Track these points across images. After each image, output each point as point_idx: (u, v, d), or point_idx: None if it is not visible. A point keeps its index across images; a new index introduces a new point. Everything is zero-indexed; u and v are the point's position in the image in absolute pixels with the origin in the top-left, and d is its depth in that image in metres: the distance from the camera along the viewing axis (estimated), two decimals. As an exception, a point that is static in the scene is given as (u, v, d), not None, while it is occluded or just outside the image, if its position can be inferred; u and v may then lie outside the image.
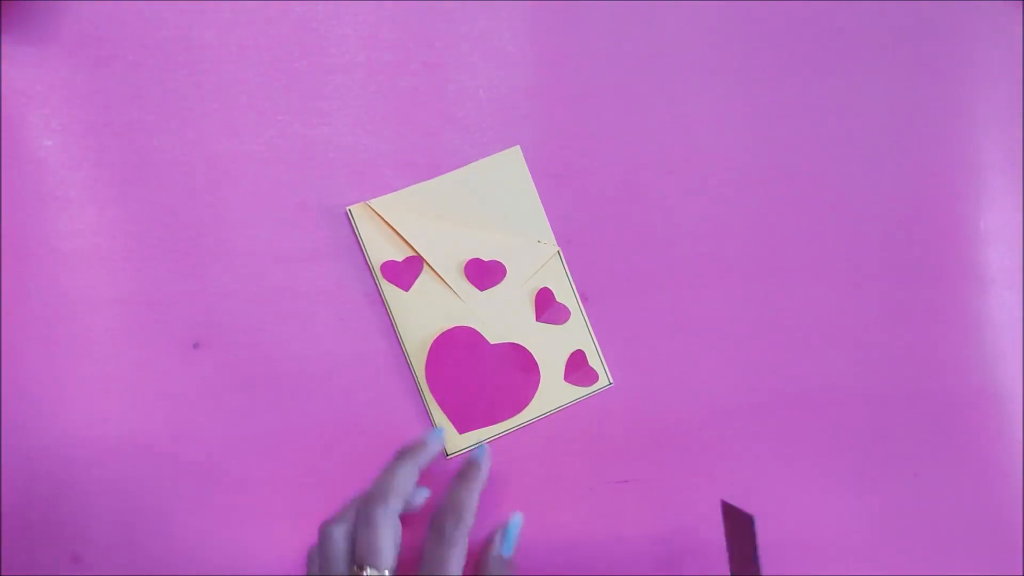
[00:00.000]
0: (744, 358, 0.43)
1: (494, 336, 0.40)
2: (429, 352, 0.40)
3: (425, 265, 0.40)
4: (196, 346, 0.39)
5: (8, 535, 0.38)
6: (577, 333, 0.41)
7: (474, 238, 0.40)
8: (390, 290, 0.40)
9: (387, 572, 0.31)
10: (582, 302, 0.42)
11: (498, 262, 0.40)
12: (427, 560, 0.33)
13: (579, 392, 0.41)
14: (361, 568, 0.31)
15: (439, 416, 0.40)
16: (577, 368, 0.41)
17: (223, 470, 0.39)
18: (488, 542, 0.39)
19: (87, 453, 0.38)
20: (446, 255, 0.40)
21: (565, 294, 0.41)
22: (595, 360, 0.41)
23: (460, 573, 0.33)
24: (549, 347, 0.41)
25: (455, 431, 0.40)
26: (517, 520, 0.39)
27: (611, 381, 0.41)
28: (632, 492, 0.42)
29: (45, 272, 0.38)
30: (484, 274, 0.40)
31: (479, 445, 0.40)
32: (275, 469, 0.40)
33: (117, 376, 0.38)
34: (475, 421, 0.41)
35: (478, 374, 0.40)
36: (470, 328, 0.40)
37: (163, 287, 0.38)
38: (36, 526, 0.38)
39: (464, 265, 0.40)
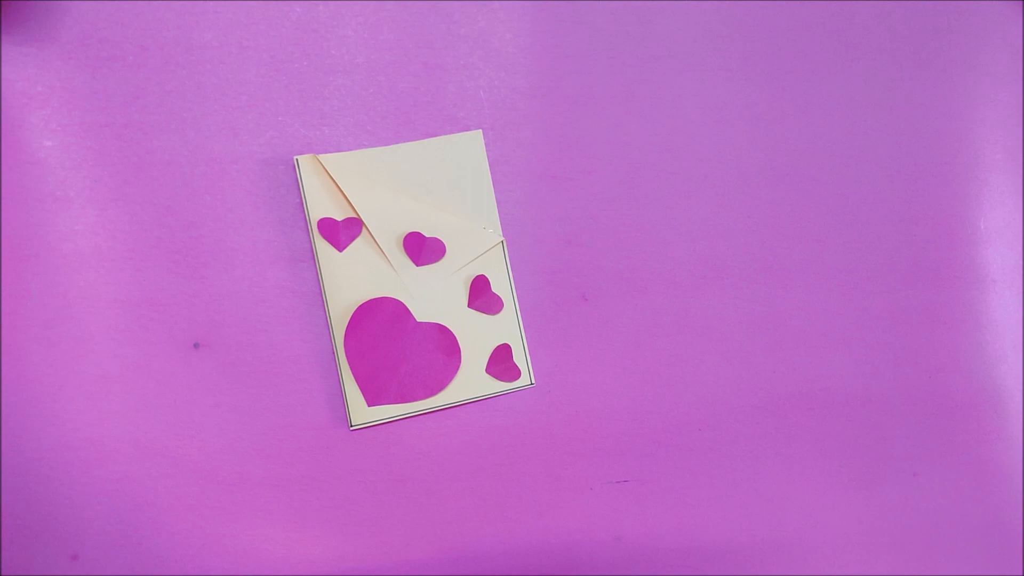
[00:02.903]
0: (744, 358, 0.43)
1: (421, 314, 0.40)
2: (351, 317, 0.39)
3: (364, 229, 0.39)
4: (196, 346, 0.39)
5: (7, 534, 0.38)
6: (507, 327, 0.41)
7: (418, 212, 0.40)
8: (323, 248, 0.39)
9: None
10: (582, 301, 0.42)
11: (438, 240, 0.40)
12: None
13: (498, 386, 0.41)
14: None
15: (350, 386, 0.39)
16: (500, 362, 0.41)
17: (223, 470, 0.39)
18: None
19: (87, 453, 0.38)
20: (386, 223, 0.39)
21: (502, 286, 0.41)
22: (520, 357, 0.41)
23: None
24: (476, 335, 0.40)
25: (364, 403, 0.39)
26: None
27: (533, 381, 0.41)
28: (632, 492, 0.42)
29: (45, 272, 0.38)
30: (422, 249, 0.39)
31: None
32: (275, 469, 0.40)
33: (117, 376, 0.38)
34: (386, 396, 0.39)
35: (398, 348, 0.39)
36: (397, 301, 0.39)
37: (163, 287, 0.38)
38: (35, 525, 0.38)
39: (403, 237, 0.39)
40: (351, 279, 0.39)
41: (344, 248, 0.39)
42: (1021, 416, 0.45)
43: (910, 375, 0.44)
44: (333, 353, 0.40)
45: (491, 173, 0.41)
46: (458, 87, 0.40)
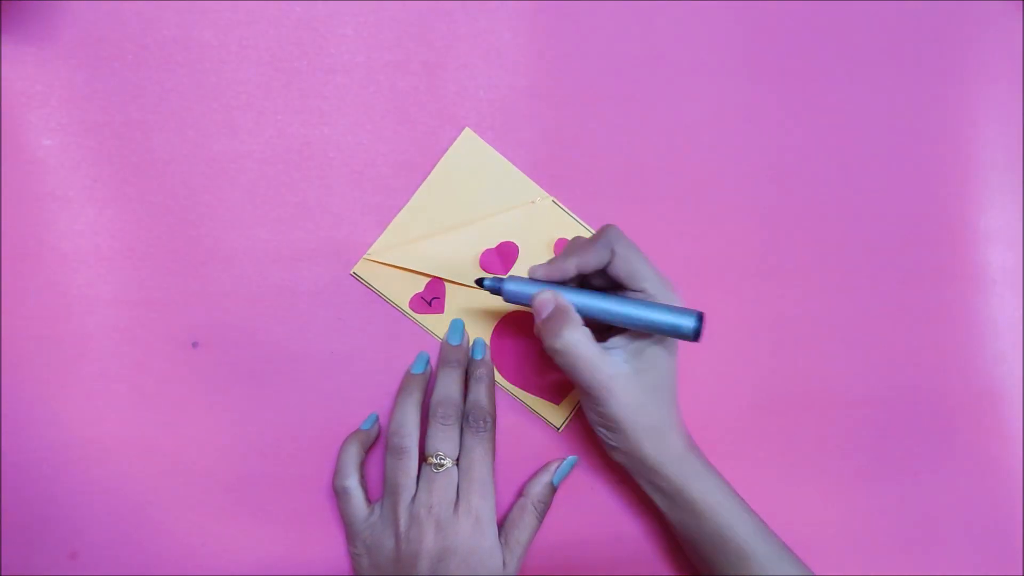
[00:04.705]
0: (744, 358, 0.43)
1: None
2: (491, 353, 0.41)
3: (446, 283, 0.40)
4: (195, 346, 0.39)
5: (7, 533, 0.38)
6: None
7: (475, 231, 0.40)
8: (427, 320, 0.40)
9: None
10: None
11: (506, 242, 0.41)
12: (468, 456, 0.37)
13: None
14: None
15: (539, 404, 0.41)
16: None
17: (222, 470, 0.39)
18: (542, 467, 0.40)
19: (87, 453, 0.38)
20: (459, 264, 0.40)
21: (579, 233, 0.41)
22: None
23: (493, 462, 0.38)
24: None
25: (553, 404, 0.41)
26: (574, 459, 0.41)
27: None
28: (632, 492, 0.42)
29: (45, 272, 0.38)
30: (500, 259, 0.40)
31: (476, 344, 0.40)
32: (275, 469, 0.40)
33: (117, 376, 0.38)
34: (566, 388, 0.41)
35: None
36: (516, 311, 0.41)
37: (163, 287, 0.38)
38: (35, 525, 0.38)
39: (479, 261, 0.40)
40: (468, 325, 0.41)
41: (444, 309, 0.40)
42: (1021, 416, 0.45)
43: (910, 375, 0.44)
44: (333, 353, 0.40)
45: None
46: (458, 87, 0.40)
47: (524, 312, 0.41)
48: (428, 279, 0.40)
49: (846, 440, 0.44)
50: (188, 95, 0.38)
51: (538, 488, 0.39)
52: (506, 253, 0.41)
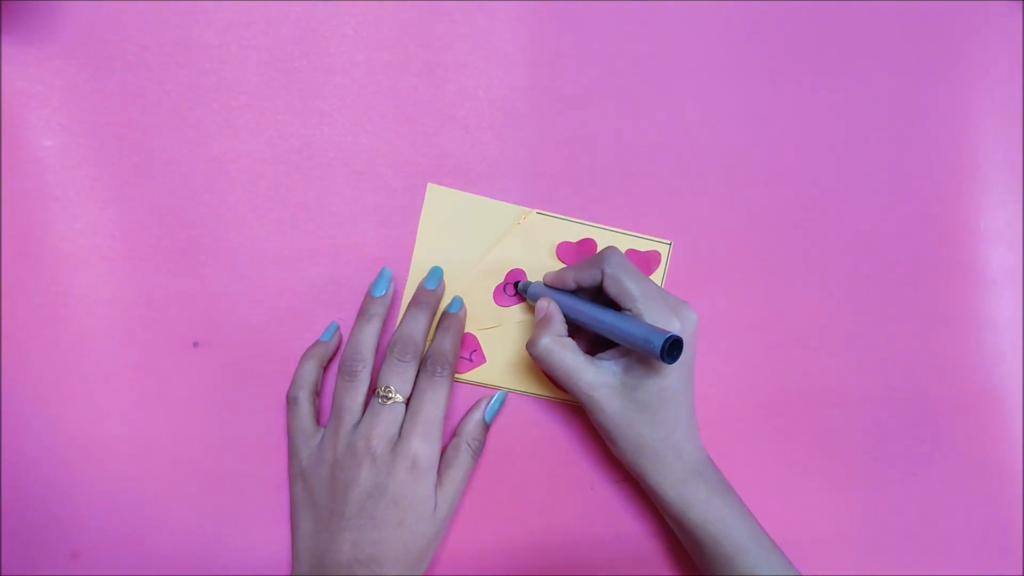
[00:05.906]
0: (744, 357, 0.43)
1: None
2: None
3: (476, 335, 0.41)
4: (196, 345, 0.39)
5: (7, 533, 0.38)
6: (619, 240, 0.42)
7: (480, 274, 0.41)
8: (474, 375, 0.41)
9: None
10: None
11: (512, 271, 0.41)
12: (419, 397, 0.36)
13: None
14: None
15: None
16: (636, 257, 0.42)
17: (223, 470, 0.39)
18: (474, 404, 0.40)
19: (87, 453, 0.38)
20: (479, 309, 0.41)
21: (580, 232, 0.41)
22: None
23: (445, 411, 0.37)
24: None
25: None
26: (504, 393, 0.41)
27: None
28: (632, 491, 0.42)
29: (45, 272, 0.38)
30: (512, 286, 0.41)
31: (454, 299, 0.40)
32: (275, 469, 0.40)
33: (117, 376, 0.38)
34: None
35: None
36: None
37: (163, 287, 0.38)
38: (35, 524, 0.38)
39: (493, 300, 0.41)
40: (510, 351, 0.41)
41: (486, 358, 0.41)
42: (1021, 416, 0.45)
43: (910, 375, 0.44)
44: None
45: (491, 175, 0.41)
46: (458, 87, 0.40)
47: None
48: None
49: (846, 440, 0.44)
50: (188, 95, 0.38)
51: (471, 426, 0.39)
52: (517, 278, 0.41)
